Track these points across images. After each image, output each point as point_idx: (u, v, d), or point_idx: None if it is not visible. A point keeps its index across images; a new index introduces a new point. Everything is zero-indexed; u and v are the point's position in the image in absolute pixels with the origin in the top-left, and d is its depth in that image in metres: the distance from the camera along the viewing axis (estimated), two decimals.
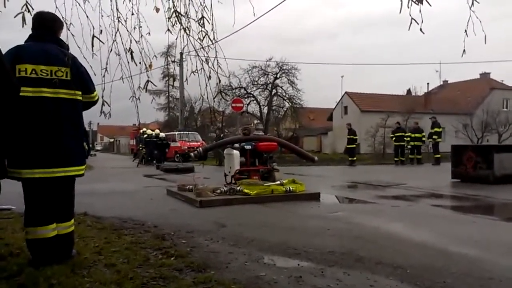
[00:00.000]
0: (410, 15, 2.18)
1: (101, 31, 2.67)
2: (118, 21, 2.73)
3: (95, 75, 2.74)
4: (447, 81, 45.40)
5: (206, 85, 2.84)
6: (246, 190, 7.42)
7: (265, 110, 29.82)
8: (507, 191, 8.53)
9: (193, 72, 2.87)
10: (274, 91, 29.41)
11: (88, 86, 3.43)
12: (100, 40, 2.68)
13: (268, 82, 29.32)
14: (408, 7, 2.17)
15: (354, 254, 3.85)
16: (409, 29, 2.24)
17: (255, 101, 29.95)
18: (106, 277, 3.04)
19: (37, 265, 3.14)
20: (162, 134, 22.75)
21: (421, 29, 2.22)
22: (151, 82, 2.82)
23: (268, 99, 29.54)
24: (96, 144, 74.05)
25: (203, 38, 2.80)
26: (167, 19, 2.87)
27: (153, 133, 22.39)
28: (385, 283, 3.11)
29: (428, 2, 2.16)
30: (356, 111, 33.58)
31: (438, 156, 18.12)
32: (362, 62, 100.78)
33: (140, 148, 23.04)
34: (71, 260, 3.35)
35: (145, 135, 22.39)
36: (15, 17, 2.73)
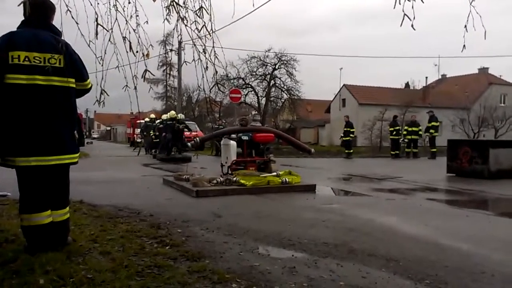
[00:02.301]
0: (403, 11, 2.18)
1: (97, 18, 2.65)
2: (116, 9, 2.70)
3: (98, 62, 2.71)
4: (445, 75, 45.46)
5: (203, 76, 2.83)
6: (242, 181, 7.44)
7: (263, 101, 29.78)
8: (501, 186, 8.58)
9: (185, 62, 2.86)
10: (272, 82, 29.35)
11: (81, 73, 3.41)
12: (104, 28, 2.66)
13: (267, 73, 29.26)
14: (400, 4, 2.16)
15: (348, 246, 3.88)
16: (401, 25, 2.25)
17: (253, 92, 29.93)
18: (101, 265, 3.06)
19: (32, 252, 3.16)
20: (181, 115, 18.73)
21: (412, 26, 2.22)
22: (149, 72, 2.80)
23: (266, 90, 29.49)
24: (93, 132, 73.76)
25: (201, 29, 2.78)
26: (165, 8, 2.85)
27: (168, 116, 18.26)
28: (377, 275, 3.14)
29: None
30: (354, 103, 33.60)
31: (434, 150, 18.18)
32: (361, 54, 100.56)
33: (152, 136, 19.55)
34: (66, 247, 3.37)
35: (158, 121, 19.36)
36: (18, 5, 2.70)
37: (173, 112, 18.90)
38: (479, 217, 5.71)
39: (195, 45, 2.82)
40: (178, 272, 3.00)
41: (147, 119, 22.51)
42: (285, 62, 28.83)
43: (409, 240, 4.23)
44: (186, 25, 2.82)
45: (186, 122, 22.24)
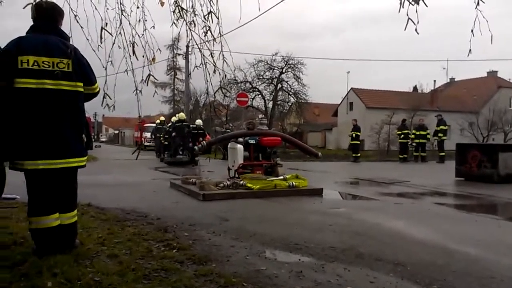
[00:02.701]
0: (407, 15, 2.16)
1: (106, 24, 2.68)
2: (122, 14, 2.72)
3: (104, 68, 2.73)
4: (454, 78, 45.16)
5: (208, 81, 2.84)
6: (249, 185, 7.43)
7: (270, 104, 29.81)
8: (511, 191, 8.49)
9: (196, 66, 2.87)
10: (279, 85, 29.38)
11: (89, 77, 3.44)
12: (109, 33, 2.69)
13: (274, 76, 29.29)
14: (403, 7, 2.15)
15: (355, 250, 3.86)
16: (405, 29, 2.23)
17: (260, 96, 29.99)
18: (108, 268, 3.07)
19: (40, 255, 3.18)
20: (199, 121, 18.27)
21: (416, 30, 2.20)
22: (153, 76, 2.82)
23: (273, 93, 29.52)
24: (101, 136, 74.14)
25: (206, 33, 2.80)
26: (172, 12, 2.87)
27: (177, 117, 17.32)
28: (385, 279, 3.12)
29: (424, 3, 2.15)
30: (361, 107, 33.52)
31: (443, 154, 18.05)
32: (369, 57, 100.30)
33: (162, 140, 18.69)
34: (74, 250, 3.39)
35: (169, 124, 18.20)
36: (24, 7, 2.74)
37: (182, 114, 18.18)
38: (488, 222, 5.65)
39: (200, 50, 2.84)
40: (185, 276, 3.00)
41: (158, 121, 22.06)
42: (292, 65, 28.86)
43: (417, 244, 4.20)
44: (191, 30, 2.84)
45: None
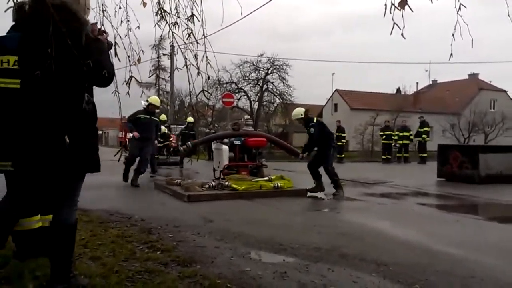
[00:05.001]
0: (392, 19, 2.18)
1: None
2: (103, 15, 2.69)
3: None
4: (436, 81, 45.82)
5: (190, 83, 2.81)
6: (234, 186, 7.43)
7: (255, 105, 29.86)
8: (491, 191, 8.66)
9: (177, 68, 2.85)
10: (265, 86, 29.46)
11: None
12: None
13: (259, 77, 29.36)
14: (391, 12, 2.16)
15: (339, 251, 3.89)
16: (391, 34, 2.23)
17: (245, 96, 30.02)
18: (91, 270, 3.04)
19: (22, 257, 3.12)
20: (190, 119, 16.18)
21: (402, 34, 2.22)
22: (135, 78, 2.79)
23: (258, 94, 29.57)
24: None
25: (189, 35, 2.78)
26: (155, 13, 2.85)
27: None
28: (368, 279, 3.15)
29: (410, 8, 2.17)
30: (346, 108, 33.82)
31: (424, 155, 18.32)
32: (354, 60, 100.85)
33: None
34: None
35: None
36: (5, 11, 2.69)
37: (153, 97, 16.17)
38: (469, 222, 5.75)
39: (183, 52, 2.81)
40: (169, 278, 2.99)
41: None
42: (277, 67, 28.97)
43: (400, 244, 4.25)
44: (173, 32, 2.81)
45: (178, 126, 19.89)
